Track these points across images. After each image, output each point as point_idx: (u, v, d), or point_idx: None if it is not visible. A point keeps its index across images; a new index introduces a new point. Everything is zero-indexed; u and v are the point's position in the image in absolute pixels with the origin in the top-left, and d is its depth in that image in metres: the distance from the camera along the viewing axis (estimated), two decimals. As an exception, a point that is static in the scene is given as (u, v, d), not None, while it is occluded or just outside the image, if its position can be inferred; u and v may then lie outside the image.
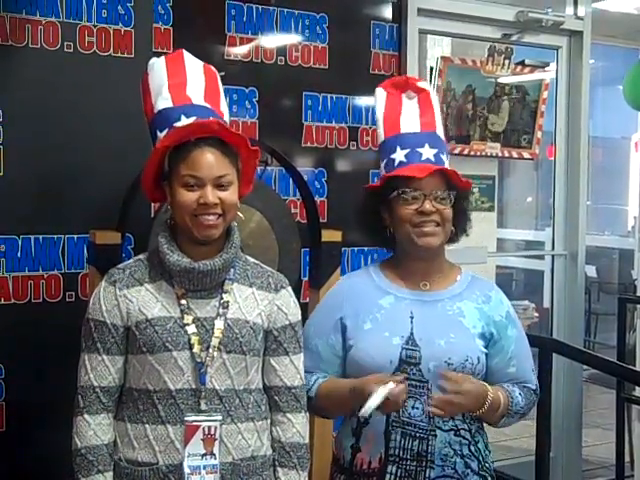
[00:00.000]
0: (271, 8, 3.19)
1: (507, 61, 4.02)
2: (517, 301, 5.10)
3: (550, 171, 4.31)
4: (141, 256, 2.00)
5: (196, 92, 1.98)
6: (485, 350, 2.04)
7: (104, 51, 2.81)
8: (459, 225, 2.09)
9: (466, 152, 3.97)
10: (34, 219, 2.72)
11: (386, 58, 3.48)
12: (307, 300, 2.97)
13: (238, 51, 3.14)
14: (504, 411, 2.03)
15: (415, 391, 1.99)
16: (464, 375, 1.96)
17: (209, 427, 1.90)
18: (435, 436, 1.99)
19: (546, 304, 4.64)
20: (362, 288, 2.12)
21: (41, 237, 2.74)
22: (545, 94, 4.17)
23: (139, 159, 2.74)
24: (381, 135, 2.14)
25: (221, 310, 1.92)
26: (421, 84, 2.16)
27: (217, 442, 1.90)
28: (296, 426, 2.00)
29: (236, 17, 3.12)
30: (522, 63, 4.13)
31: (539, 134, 4.20)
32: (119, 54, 2.83)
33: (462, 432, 2.01)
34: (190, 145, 1.87)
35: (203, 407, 1.89)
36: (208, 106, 1.97)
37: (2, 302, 2.70)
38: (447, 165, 2.06)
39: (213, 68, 2.11)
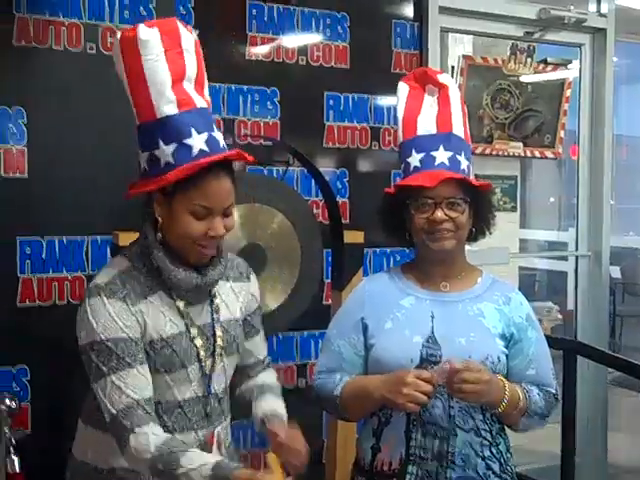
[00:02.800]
0: (292, 8, 3.18)
1: (529, 59, 4.00)
2: (541, 302, 5.06)
3: (574, 171, 4.27)
4: (120, 267, 1.79)
5: (191, 83, 1.77)
6: (506, 350, 2.02)
7: (126, 52, 2.81)
8: (478, 226, 2.07)
9: (488, 152, 3.95)
10: (58, 221, 2.73)
11: (407, 57, 3.46)
12: (329, 302, 2.96)
13: (259, 51, 3.14)
14: (523, 409, 2.01)
15: (436, 390, 1.95)
16: (483, 366, 1.94)
17: (218, 432, 1.91)
18: (456, 436, 1.96)
19: (570, 306, 4.60)
20: (383, 289, 2.11)
21: (65, 239, 2.74)
22: (568, 92, 4.14)
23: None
24: (400, 136, 2.12)
25: (215, 315, 1.88)
26: (441, 78, 2.10)
27: (223, 444, 1.92)
28: (270, 378, 2.08)
29: (257, 17, 3.12)
30: (545, 61, 4.10)
31: (562, 133, 4.17)
32: (141, 55, 2.83)
33: (483, 433, 1.99)
34: (204, 171, 1.71)
35: (209, 412, 1.87)
36: (206, 105, 1.78)
37: (27, 304, 2.71)
38: (466, 166, 2.03)
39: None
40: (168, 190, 1.72)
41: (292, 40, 3.20)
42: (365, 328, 2.07)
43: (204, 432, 1.87)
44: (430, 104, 2.08)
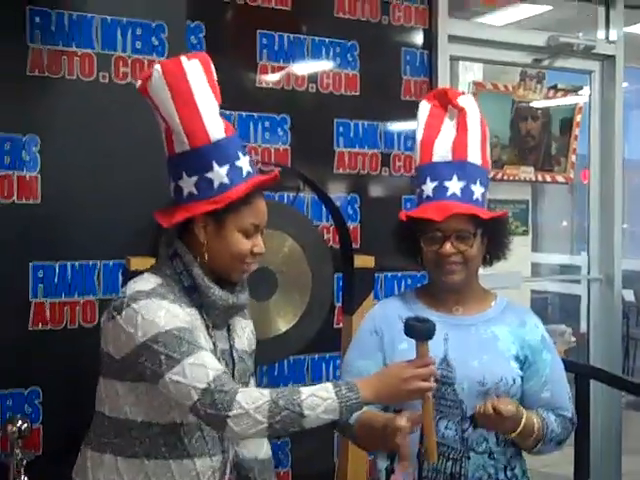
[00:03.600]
0: (302, 37, 3.23)
1: (539, 85, 4.03)
2: (554, 325, 5.05)
3: (585, 195, 4.28)
4: (156, 280, 1.82)
5: (209, 115, 1.81)
6: (520, 373, 2.01)
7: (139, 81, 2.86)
8: (493, 251, 2.08)
9: (499, 177, 3.97)
10: (70, 245, 2.77)
11: (417, 84, 3.50)
12: (340, 325, 2.98)
13: (270, 79, 3.18)
14: (539, 436, 1.99)
15: (449, 411, 1.97)
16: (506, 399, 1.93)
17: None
18: (469, 458, 1.96)
19: (583, 329, 4.58)
20: (397, 312, 2.10)
21: (77, 263, 2.78)
22: (579, 118, 4.16)
23: (173, 186, 2.82)
24: (417, 159, 2.11)
25: (232, 342, 1.92)
26: (461, 100, 2.07)
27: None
28: None
29: (267, 46, 3.17)
30: (555, 87, 4.13)
31: (573, 157, 4.18)
32: (153, 84, 2.88)
33: (497, 455, 1.98)
34: (254, 191, 1.82)
35: (223, 438, 1.89)
36: (225, 135, 1.82)
37: (39, 327, 2.74)
38: (480, 194, 2.02)
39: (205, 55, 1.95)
40: (219, 211, 1.79)
41: (302, 68, 3.25)
42: (382, 348, 2.07)
43: (217, 458, 1.88)
44: (449, 127, 2.07)
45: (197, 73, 1.84)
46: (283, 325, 2.75)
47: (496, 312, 2.08)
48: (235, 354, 1.91)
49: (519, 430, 1.94)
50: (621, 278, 4.16)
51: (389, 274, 3.43)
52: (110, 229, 2.78)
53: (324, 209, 3.13)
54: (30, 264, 2.71)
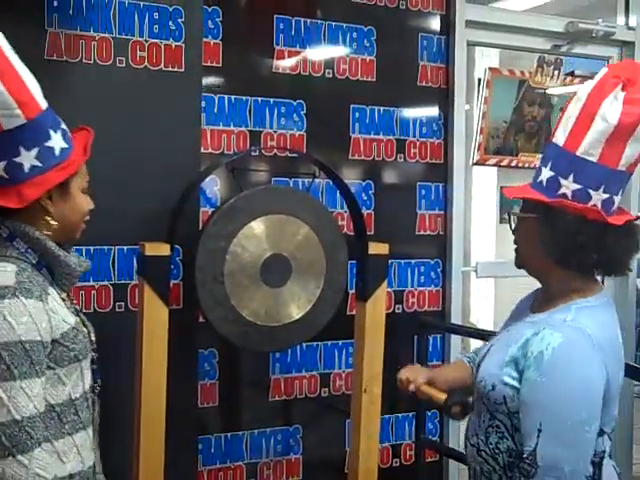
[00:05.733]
0: (319, 22, 3.21)
1: (557, 72, 3.99)
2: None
3: (600, 183, 4.25)
4: (12, 267, 1.78)
5: (32, 85, 1.83)
6: (509, 380, 1.84)
7: (155, 65, 2.86)
8: (548, 246, 1.87)
9: (514, 164, 3.95)
10: (85, 231, 2.76)
11: (434, 70, 3.48)
12: (353, 312, 2.98)
13: (286, 64, 3.17)
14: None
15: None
16: None
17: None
18: (466, 446, 2.03)
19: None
20: (526, 299, 2.09)
21: (92, 248, 2.79)
22: (595, 105, 4.12)
23: (188, 171, 2.82)
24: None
25: (76, 307, 1.97)
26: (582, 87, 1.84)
27: None
28: None
29: (284, 31, 3.15)
30: (572, 74, 4.09)
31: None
32: (170, 68, 2.88)
33: (484, 454, 1.93)
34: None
35: (95, 409, 1.95)
36: (46, 104, 1.85)
37: (54, 312, 2.75)
38: (547, 177, 1.84)
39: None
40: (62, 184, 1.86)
41: (319, 53, 3.23)
42: None
43: (92, 429, 1.93)
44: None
45: (6, 45, 1.82)
46: (296, 311, 2.75)
47: (544, 315, 1.90)
48: (83, 317, 1.97)
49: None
50: (636, 267, 4.14)
51: (403, 261, 3.43)
52: (125, 215, 2.78)
53: (339, 195, 3.13)
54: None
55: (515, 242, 1.98)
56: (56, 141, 1.83)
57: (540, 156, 2.08)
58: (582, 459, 1.77)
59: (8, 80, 1.76)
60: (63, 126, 1.88)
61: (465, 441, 2.04)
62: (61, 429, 1.81)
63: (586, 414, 1.75)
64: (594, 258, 1.83)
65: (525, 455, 1.77)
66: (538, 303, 1.98)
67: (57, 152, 1.83)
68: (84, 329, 1.91)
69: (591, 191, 1.79)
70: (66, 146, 1.86)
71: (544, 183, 1.84)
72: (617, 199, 1.85)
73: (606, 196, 1.81)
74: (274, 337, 2.74)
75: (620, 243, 1.84)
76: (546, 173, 1.84)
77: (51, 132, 1.82)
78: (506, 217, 1.99)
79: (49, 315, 1.78)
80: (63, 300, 1.87)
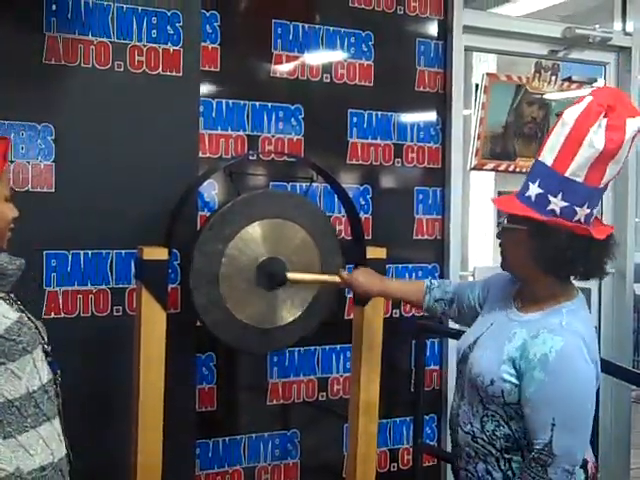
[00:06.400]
0: (317, 26, 3.22)
1: (554, 77, 4.00)
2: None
3: (598, 188, 4.26)
4: None
5: None
6: (514, 380, 2.00)
7: (153, 70, 2.87)
8: (539, 258, 2.04)
9: (511, 169, 3.95)
10: (84, 235, 2.78)
11: (431, 75, 3.49)
12: (351, 316, 2.98)
13: (284, 69, 3.18)
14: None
15: (459, 387, 2.19)
16: None
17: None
18: (457, 432, 2.15)
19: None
20: (500, 285, 2.27)
21: (90, 252, 2.79)
22: (593, 110, 4.13)
23: (186, 176, 2.83)
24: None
25: (20, 307, 1.97)
26: (568, 109, 1.99)
27: None
28: None
29: (282, 35, 3.16)
30: (569, 79, 4.10)
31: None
32: (168, 73, 2.88)
33: (480, 441, 2.07)
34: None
35: (55, 398, 1.95)
36: None
37: (52, 316, 2.75)
38: (536, 194, 1.99)
39: None
40: None
41: (317, 58, 3.24)
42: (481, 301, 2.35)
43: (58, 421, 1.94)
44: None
45: None
46: (289, 314, 2.75)
47: (537, 317, 2.06)
48: (29, 315, 1.96)
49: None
50: (633, 272, 4.15)
51: (400, 266, 3.43)
52: (123, 219, 2.78)
53: (337, 200, 3.13)
54: (44, 253, 2.72)
55: (502, 248, 2.16)
56: None
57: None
58: (586, 445, 2.02)
59: None
60: None
61: (454, 427, 2.17)
62: (23, 423, 1.82)
63: (590, 406, 1.97)
64: (580, 270, 2.05)
65: (540, 447, 1.94)
66: (522, 302, 2.14)
67: None
68: (30, 323, 1.92)
69: (577, 208, 1.98)
70: None
71: (532, 198, 2.00)
72: (595, 211, 2.05)
73: (588, 211, 2.00)
74: (268, 339, 2.73)
75: (602, 253, 2.05)
76: (535, 189, 2.01)
77: None
78: (503, 227, 2.14)
79: None
80: (3, 299, 1.89)
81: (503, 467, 2.05)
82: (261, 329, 2.70)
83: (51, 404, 1.91)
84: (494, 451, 2.05)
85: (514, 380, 2.00)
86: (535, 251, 2.03)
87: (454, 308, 2.46)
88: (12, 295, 1.97)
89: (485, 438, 2.06)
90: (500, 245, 2.15)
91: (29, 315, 1.97)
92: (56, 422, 1.92)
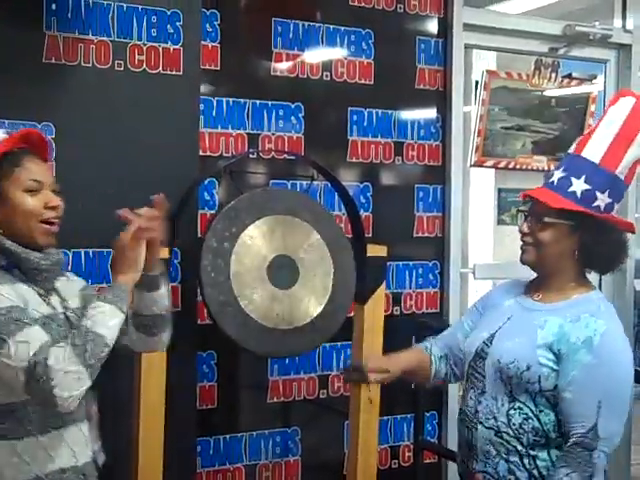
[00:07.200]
0: (317, 25, 3.22)
1: (554, 74, 4.00)
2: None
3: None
4: None
5: None
6: (551, 365, 2.02)
7: (153, 69, 2.87)
8: (580, 252, 2.09)
9: (512, 166, 3.96)
10: (84, 233, 2.77)
11: (431, 73, 3.49)
12: (352, 314, 2.98)
13: (284, 67, 3.18)
14: None
15: (475, 383, 2.15)
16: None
17: (94, 412, 1.98)
18: (476, 429, 2.11)
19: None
20: (504, 288, 2.31)
21: (91, 251, 2.80)
22: (592, 107, 4.14)
23: (186, 174, 2.83)
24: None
25: (64, 304, 1.96)
26: (614, 104, 2.12)
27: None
28: None
29: (282, 34, 3.16)
30: (569, 76, 4.10)
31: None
32: (168, 71, 2.88)
33: (505, 436, 2.05)
34: (17, 153, 1.89)
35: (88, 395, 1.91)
36: None
37: (53, 314, 2.75)
38: (582, 189, 2.04)
39: None
40: None
41: (317, 56, 3.24)
42: (476, 318, 2.32)
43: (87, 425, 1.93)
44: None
45: None
46: (306, 314, 2.73)
47: (566, 305, 2.10)
48: (71, 315, 1.94)
49: None
50: (634, 268, 4.15)
51: (401, 263, 3.44)
52: (124, 217, 2.78)
53: (337, 198, 3.14)
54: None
55: (534, 242, 2.11)
56: None
57: (558, 164, 2.23)
58: (623, 428, 2.04)
59: None
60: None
61: (472, 425, 2.13)
62: (45, 423, 1.81)
63: (631, 388, 2.06)
64: (615, 263, 2.15)
65: (584, 431, 1.95)
66: (542, 294, 2.15)
67: None
68: (62, 320, 1.89)
69: (616, 204, 2.08)
70: None
71: (578, 194, 2.04)
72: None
73: (618, 207, 2.11)
74: (286, 342, 2.70)
75: (627, 247, 2.16)
76: (581, 185, 2.04)
77: None
78: (545, 220, 2.09)
79: (17, 294, 1.79)
80: (40, 295, 1.89)
81: (528, 466, 2.04)
82: (279, 330, 2.66)
83: (80, 406, 1.86)
84: (520, 447, 2.03)
85: (552, 365, 2.01)
86: (578, 245, 2.06)
87: (452, 362, 2.41)
88: (56, 290, 1.95)
89: (511, 432, 2.04)
90: (529, 239, 2.12)
91: (69, 313, 1.94)
92: (84, 426, 1.91)
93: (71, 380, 1.68)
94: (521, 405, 2.04)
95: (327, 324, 2.78)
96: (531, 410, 2.03)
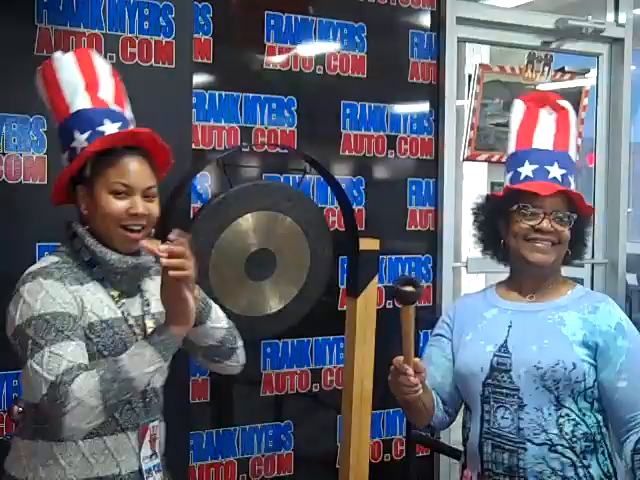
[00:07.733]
0: (310, 18, 3.21)
1: (547, 68, 4.00)
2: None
3: (590, 178, 4.27)
4: (52, 260, 1.86)
5: (108, 95, 1.95)
6: (588, 359, 1.96)
7: (146, 62, 2.85)
8: (574, 249, 2.09)
9: (504, 159, 3.95)
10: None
11: (424, 66, 3.49)
12: (344, 308, 2.99)
13: (277, 60, 3.17)
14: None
15: (505, 400, 1.97)
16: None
17: (154, 426, 1.92)
18: (525, 450, 1.93)
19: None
20: (472, 303, 2.18)
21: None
22: (585, 101, 4.14)
23: (179, 168, 2.81)
24: (511, 147, 2.15)
25: (145, 308, 1.92)
26: (562, 102, 2.16)
27: (158, 441, 1.93)
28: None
29: (275, 27, 3.15)
30: (562, 70, 4.10)
31: (579, 141, 4.16)
32: (160, 64, 2.87)
33: (560, 448, 1.92)
34: (119, 152, 1.85)
35: (148, 405, 1.89)
36: (122, 112, 1.97)
37: (45, 308, 2.74)
38: (573, 188, 2.06)
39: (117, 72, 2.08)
40: (88, 178, 1.85)
41: (309, 49, 3.24)
42: (451, 340, 2.14)
43: (154, 424, 1.92)
44: (546, 122, 2.11)
45: (67, 60, 1.97)
46: (277, 303, 2.78)
47: (570, 300, 2.06)
48: (150, 321, 1.91)
49: None
50: (625, 262, 4.16)
51: (393, 257, 3.44)
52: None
53: (330, 191, 3.14)
54: (37, 245, 2.72)
55: (557, 240, 2.02)
56: (79, 141, 1.87)
57: (512, 161, 2.19)
58: None
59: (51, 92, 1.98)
60: (101, 128, 1.88)
61: (518, 446, 1.94)
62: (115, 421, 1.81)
63: None
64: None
65: None
66: (534, 294, 2.07)
67: (78, 151, 1.87)
68: (124, 326, 1.85)
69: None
70: (86, 146, 1.86)
71: (559, 179, 2.04)
72: None
73: None
74: (254, 327, 2.73)
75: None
76: (558, 171, 2.03)
77: (76, 133, 1.88)
78: (566, 219, 2.02)
79: (74, 296, 1.78)
80: (113, 298, 1.86)
81: (585, 478, 1.93)
82: (248, 317, 2.68)
83: (132, 415, 1.86)
84: (574, 457, 1.93)
85: (590, 360, 1.95)
86: (579, 237, 2.08)
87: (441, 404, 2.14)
88: (141, 292, 1.93)
89: (565, 443, 1.92)
90: (554, 237, 2.01)
91: (146, 319, 1.90)
92: (134, 435, 1.87)
93: (85, 412, 1.64)
94: (568, 411, 1.94)
95: (295, 313, 2.82)
96: (577, 415, 1.94)
